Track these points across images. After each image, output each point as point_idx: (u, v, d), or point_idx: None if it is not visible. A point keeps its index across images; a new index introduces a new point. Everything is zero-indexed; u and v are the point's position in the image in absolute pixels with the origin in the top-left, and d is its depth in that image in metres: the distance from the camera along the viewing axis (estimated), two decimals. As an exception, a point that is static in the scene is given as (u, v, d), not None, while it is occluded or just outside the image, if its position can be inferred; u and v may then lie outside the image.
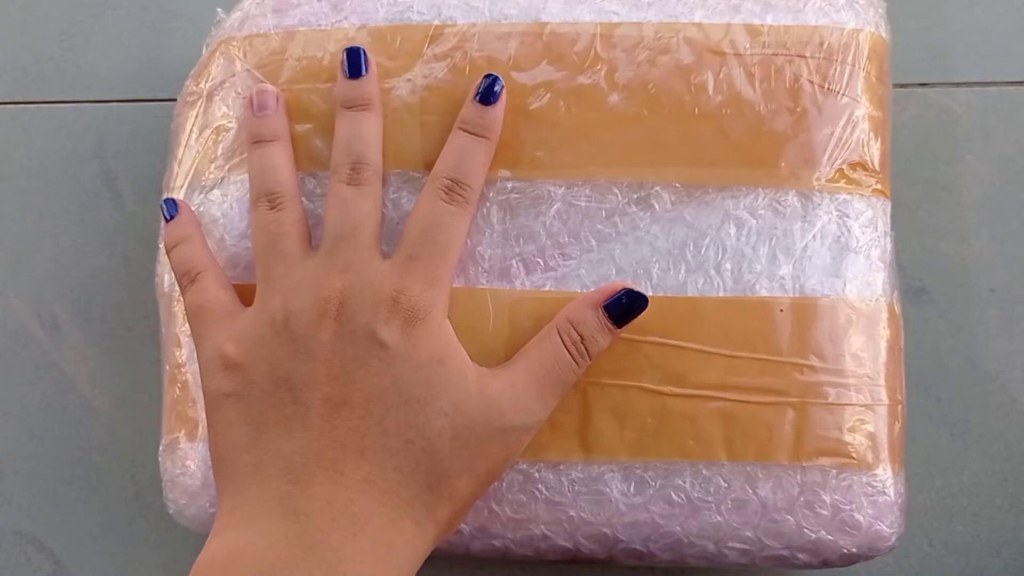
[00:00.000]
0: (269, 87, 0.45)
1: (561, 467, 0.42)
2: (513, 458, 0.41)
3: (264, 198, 0.43)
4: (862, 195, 0.44)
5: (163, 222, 0.46)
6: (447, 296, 0.41)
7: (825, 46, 0.44)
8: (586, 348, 0.41)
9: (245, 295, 0.43)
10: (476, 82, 0.43)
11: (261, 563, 0.35)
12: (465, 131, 0.43)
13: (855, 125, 0.44)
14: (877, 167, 0.44)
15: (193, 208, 0.46)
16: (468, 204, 0.42)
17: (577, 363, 0.41)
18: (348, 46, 0.44)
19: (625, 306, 0.41)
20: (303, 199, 0.45)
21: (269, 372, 0.39)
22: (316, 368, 0.39)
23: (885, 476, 0.41)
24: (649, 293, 0.43)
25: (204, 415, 0.44)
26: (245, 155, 0.46)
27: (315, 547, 0.36)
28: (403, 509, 0.38)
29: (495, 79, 0.43)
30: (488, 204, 0.44)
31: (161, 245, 0.47)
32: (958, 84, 0.55)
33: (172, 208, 0.46)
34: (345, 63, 0.44)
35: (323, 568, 0.35)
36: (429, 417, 0.39)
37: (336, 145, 0.43)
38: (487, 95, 0.43)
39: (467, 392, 0.40)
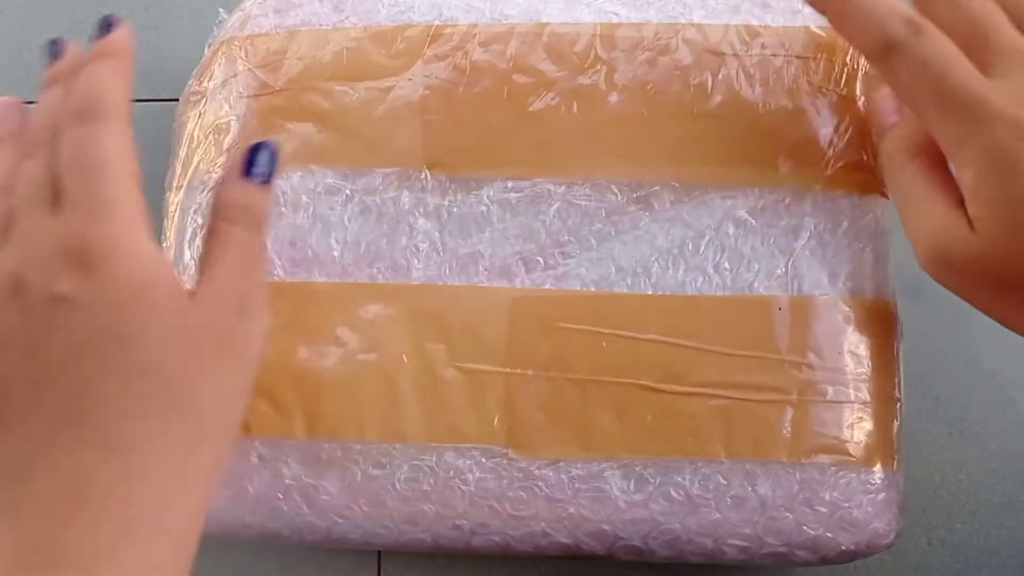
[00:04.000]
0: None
1: (561, 464, 0.42)
2: (254, 361, 0.38)
3: None
4: (861, 194, 0.44)
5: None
6: (131, 220, 0.35)
7: (825, 47, 0.45)
8: (252, 214, 0.38)
9: None
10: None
11: None
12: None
13: (853, 125, 0.44)
14: (875, 167, 0.44)
15: (195, 207, 0.46)
16: (105, 118, 0.36)
17: (251, 231, 0.38)
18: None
19: (260, 157, 0.39)
20: (303, 196, 0.45)
21: None
22: (10, 356, 0.33)
23: (883, 474, 0.42)
24: (648, 291, 0.43)
25: None
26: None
27: (38, 551, 0.31)
28: (154, 459, 0.33)
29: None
30: (488, 203, 0.44)
31: (166, 244, 0.47)
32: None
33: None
34: None
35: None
36: (144, 349, 0.33)
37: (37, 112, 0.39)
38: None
39: (181, 309, 0.35)
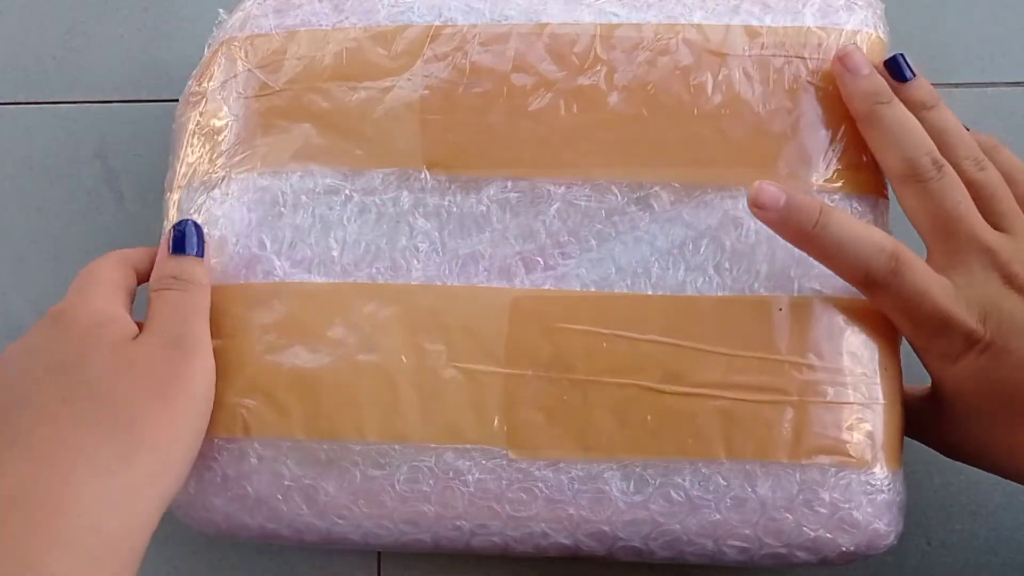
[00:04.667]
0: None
1: (561, 465, 0.42)
2: (200, 393, 0.42)
3: None
4: (861, 195, 0.44)
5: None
6: (97, 296, 0.43)
7: (823, 47, 0.45)
8: (186, 280, 0.44)
9: (243, 295, 0.44)
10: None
11: None
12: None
13: (853, 126, 0.44)
14: (875, 167, 0.44)
15: (194, 208, 0.47)
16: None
17: (183, 290, 0.43)
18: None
19: (178, 236, 0.45)
20: (303, 196, 0.45)
21: None
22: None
23: (883, 475, 0.42)
24: (648, 292, 0.43)
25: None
26: (247, 154, 0.46)
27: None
28: (85, 470, 0.37)
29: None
30: (488, 203, 0.44)
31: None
32: (956, 85, 0.55)
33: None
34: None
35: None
36: (85, 373, 0.39)
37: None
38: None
39: (122, 345, 0.41)
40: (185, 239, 0.45)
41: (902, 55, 0.44)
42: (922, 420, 0.44)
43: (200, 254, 0.45)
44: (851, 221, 0.42)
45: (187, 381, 0.41)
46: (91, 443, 0.37)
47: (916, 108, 0.44)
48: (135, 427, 0.38)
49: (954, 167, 0.43)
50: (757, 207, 0.41)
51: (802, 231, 0.41)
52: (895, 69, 0.44)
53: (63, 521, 0.35)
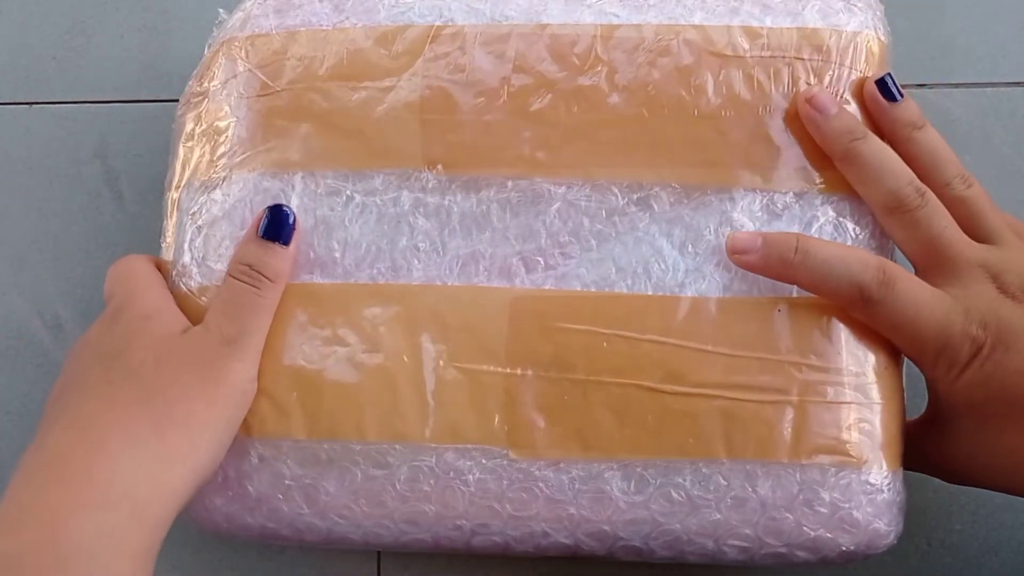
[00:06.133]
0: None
1: (561, 465, 0.42)
2: (236, 390, 0.42)
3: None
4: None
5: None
6: (149, 290, 0.45)
7: (824, 49, 0.45)
8: (260, 273, 0.44)
9: None
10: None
11: None
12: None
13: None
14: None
15: (195, 208, 0.46)
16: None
17: (257, 287, 0.43)
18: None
19: (273, 220, 0.44)
20: (304, 198, 0.45)
21: None
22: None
23: (883, 474, 0.42)
24: (649, 292, 0.43)
25: None
26: (248, 155, 0.46)
27: (7, 515, 0.38)
28: (119, 439, 0.40)
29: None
30: (489, 203, 0.44)
31: (165, 243, 0.47)
32: (956, 85, 0.55)
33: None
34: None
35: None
36: (129, 359, 0.42)
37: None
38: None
39: (168, 336, 0.43)
40: (275, 225, 0.45)
41: (890, 75, 0.44)
42: (923, 448, 0.44)
43: (286, 243, 0.44)
44: (831, 244, 0.42)
45: (228, 373, 0.42)
46: (126, 417, 0.40)
47: (905, 128, 0.44)
48: (169, 405, 0.41)
49: (943, 186, 0.43)
50: (737, 253, 0.42)
51: (786, 262, 0.42)
52: (885, 90, 0.44)
53: (95, 487, 0.38)
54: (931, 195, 0.43)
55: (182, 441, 0.40)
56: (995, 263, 0.42)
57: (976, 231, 0.43)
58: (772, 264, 0.42)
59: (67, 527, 0.37)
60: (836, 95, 0.44)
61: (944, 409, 0.43)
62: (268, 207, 0.45)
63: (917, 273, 0.43)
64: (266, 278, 0.44)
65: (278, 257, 0.44)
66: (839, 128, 0.43)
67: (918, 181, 0.43)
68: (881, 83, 0.44)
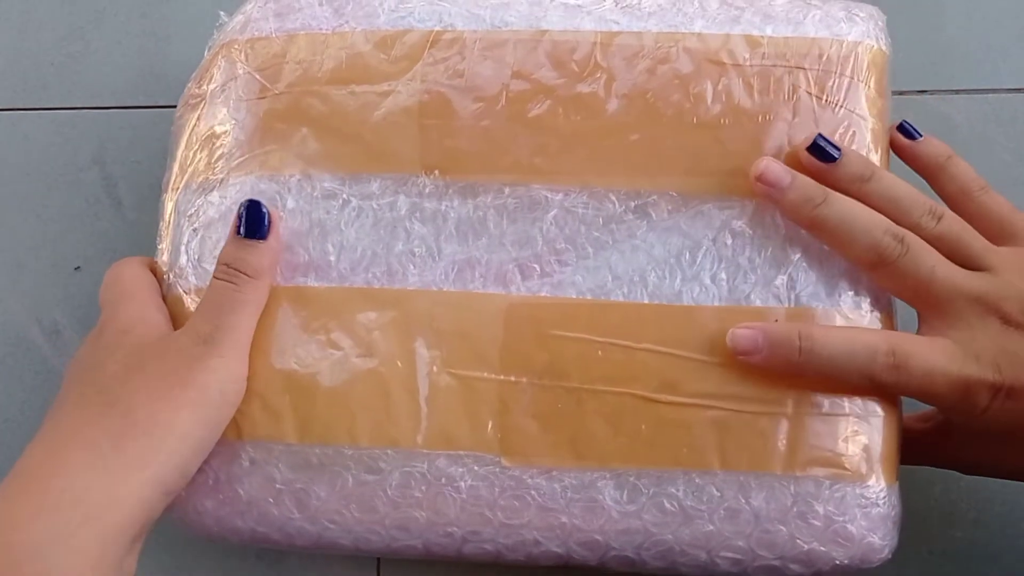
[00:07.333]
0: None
1: (554, 473, 0.42)
2: (212, 389, 0.42)
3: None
4: (860, 205, 0.44)
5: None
6: (135, 302, 0.45)
7: (824, 58, 0.44)
8: (237, 270, 0.43)
9: None
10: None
11: None
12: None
13: (853, 137, 0.44)
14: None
15: (192, 210, 0.46)
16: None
17: (234, 283, 0.43)
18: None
19: (247, 217, 0.44)
20: (300, 201, 0.45)
21: None
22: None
23: (879, 488, 0.41)
24: (645, 300, 0.43)
25: None
26: (245, 157, 0.46)
27: None
28: (79, 448, 0.40)
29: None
30: (486, 209, 0.44)
31: (162, 246, 0.47)
32: (957, 91, 0.55)
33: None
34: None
35: None
36: (103, 371, 0.42)
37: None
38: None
39: (143, 345, 0.43)
40: (250, 221, 0.44)
41: (821, 135, 0.43)
42: (934, 447, 0.44)
43: (263, 237, 0.44)
44: (835, 333, 0.41)
45: (199, 374, 0.41)
46: (89, 430, 0.41)
47: (854, 184, 0.43)
48: (130, 414, 0.41)
49: (913, 228, 0.42)
50: (741, 353, 0.41)
51: (791, 363, 0.41)
52: (820, 153, 0.43)
53: (49, 495, 0.39)
54: (911, 237, 0.42)
55: (143, 449, 0.40)
56: (992, 293, 0.41)
57: (964, 262, 0.42)
58: (777, 365, 0.41)
59: (21, 532, 0.38)
60: (836, 105, 0.44)
61: (965, 429, 0.43)
62: (242, 204, 0.44)
63: (919, 318, 0.42)
64: (244, 274, 0.43)
65: (256, 252, 0.44)
66: (796, 200, 0.42)
67: (894, 227, 0.42)
68: (814, 147, 0.43)
